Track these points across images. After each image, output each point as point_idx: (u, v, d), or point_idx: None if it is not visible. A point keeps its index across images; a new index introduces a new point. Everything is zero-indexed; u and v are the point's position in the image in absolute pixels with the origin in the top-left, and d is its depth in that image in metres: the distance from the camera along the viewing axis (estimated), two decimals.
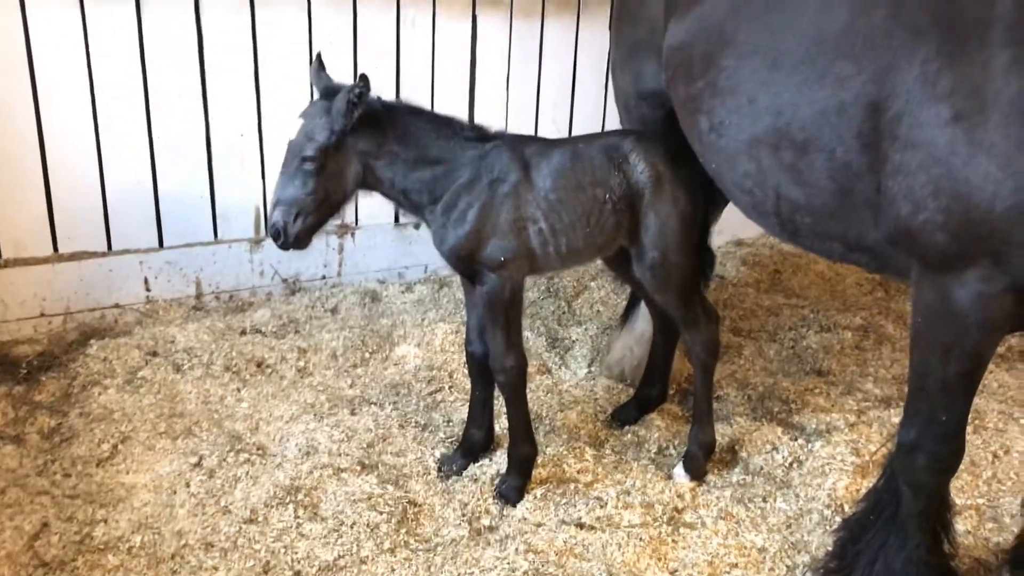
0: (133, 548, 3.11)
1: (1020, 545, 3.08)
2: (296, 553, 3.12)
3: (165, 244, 4.82)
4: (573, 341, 4.78)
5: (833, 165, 2.67)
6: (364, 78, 3.05)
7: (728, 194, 3.27)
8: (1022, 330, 2.63)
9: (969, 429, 2.70)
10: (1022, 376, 4.64)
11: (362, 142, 3.15)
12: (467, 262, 3.30)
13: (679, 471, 3.66)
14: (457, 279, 5.33)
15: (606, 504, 3.42)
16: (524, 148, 3.36)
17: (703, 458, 3.71)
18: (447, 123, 3.34)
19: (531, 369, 4.02)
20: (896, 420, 4.01)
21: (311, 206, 3.13)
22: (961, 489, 3.59)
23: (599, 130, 5.94)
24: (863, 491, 3.16)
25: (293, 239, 3.15)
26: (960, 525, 3.22)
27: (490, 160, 3.28)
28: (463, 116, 5.41)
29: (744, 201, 3.12)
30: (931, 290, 2.52)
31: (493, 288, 3.29)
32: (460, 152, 3.28)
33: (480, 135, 3.35)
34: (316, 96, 3.22)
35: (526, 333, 4.59)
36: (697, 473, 3.67)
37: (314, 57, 3.26)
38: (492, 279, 3.28)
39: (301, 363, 4.42)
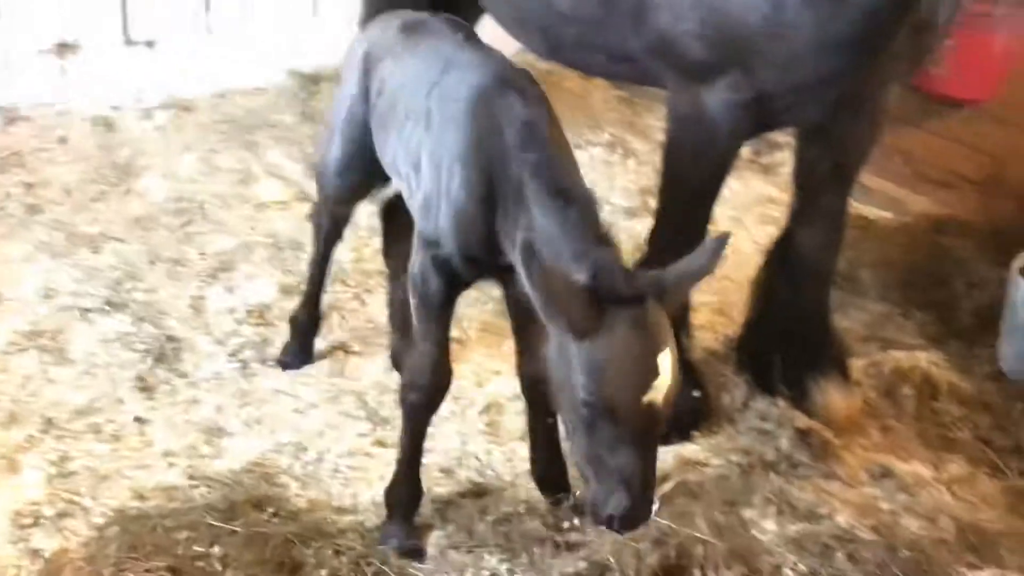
0: None
1: (745, 334, 3.44)
2: (44, 399, 2.98)
3: None
4: None
5: None
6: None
7: (490, 8, 3.25)
8: (758, 135, 2.86)
9: None
10: (749, 183, 5.04)
11: None
12: None
13: None
14: (202, 102, 5.00)
15: None
16: None
17: None
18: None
19: None
20: (640, 229, 4.28)
21: None
22: (696, 288, 3.92)
23: None
24: None
25: None
26: (695, 320, 3.53)
27: None
28: None
29: (507, 13, 3.12)
30: (685, 98, 2.68)
31: None
32: None
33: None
34: None
35: None
36: None
37: None
38: None
39: (30, 199, 4.06)
